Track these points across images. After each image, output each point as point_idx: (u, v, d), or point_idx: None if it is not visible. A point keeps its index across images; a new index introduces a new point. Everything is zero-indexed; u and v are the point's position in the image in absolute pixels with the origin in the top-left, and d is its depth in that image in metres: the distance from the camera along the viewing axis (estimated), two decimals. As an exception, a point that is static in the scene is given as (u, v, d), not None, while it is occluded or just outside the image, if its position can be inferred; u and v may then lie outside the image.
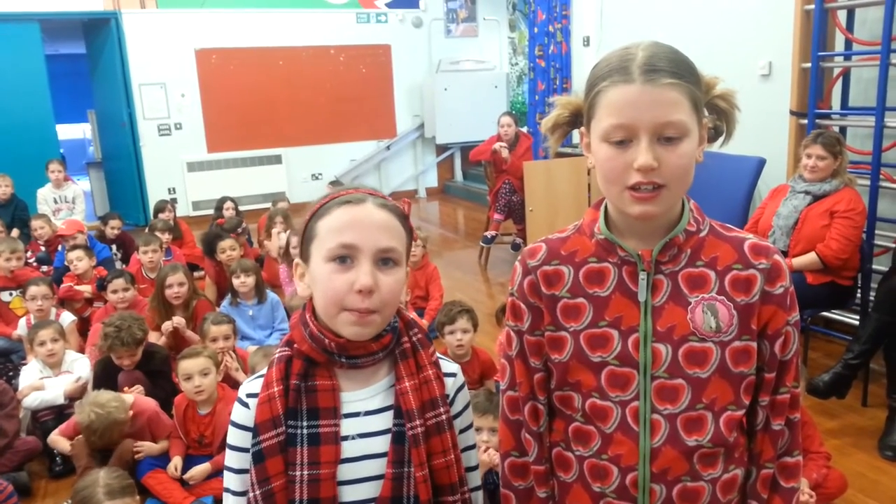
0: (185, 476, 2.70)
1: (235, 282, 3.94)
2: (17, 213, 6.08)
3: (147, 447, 2.77)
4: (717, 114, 1.02)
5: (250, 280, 3.93)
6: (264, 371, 1.03)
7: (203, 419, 2.81)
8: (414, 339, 1.05)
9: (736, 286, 1.00)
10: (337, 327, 0.98)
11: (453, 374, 1.09)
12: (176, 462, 2.74)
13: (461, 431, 1.08)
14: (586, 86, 1.00)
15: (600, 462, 1.04)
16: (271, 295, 4.06)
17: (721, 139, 1.05)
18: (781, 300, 1.01)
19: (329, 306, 0.97)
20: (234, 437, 1.02)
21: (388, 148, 9.09)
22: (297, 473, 0.97)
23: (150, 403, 2.87)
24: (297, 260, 1.05)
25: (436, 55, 9.04)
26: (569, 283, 1.05)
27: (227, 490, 1.04)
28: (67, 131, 11.37)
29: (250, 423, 0.99)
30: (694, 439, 1.00)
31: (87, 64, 8.46)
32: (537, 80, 7.15)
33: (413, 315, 3.79)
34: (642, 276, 1.01)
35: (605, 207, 1.06)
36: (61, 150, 8.08)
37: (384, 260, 0.98)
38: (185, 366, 2.76)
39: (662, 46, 0.96)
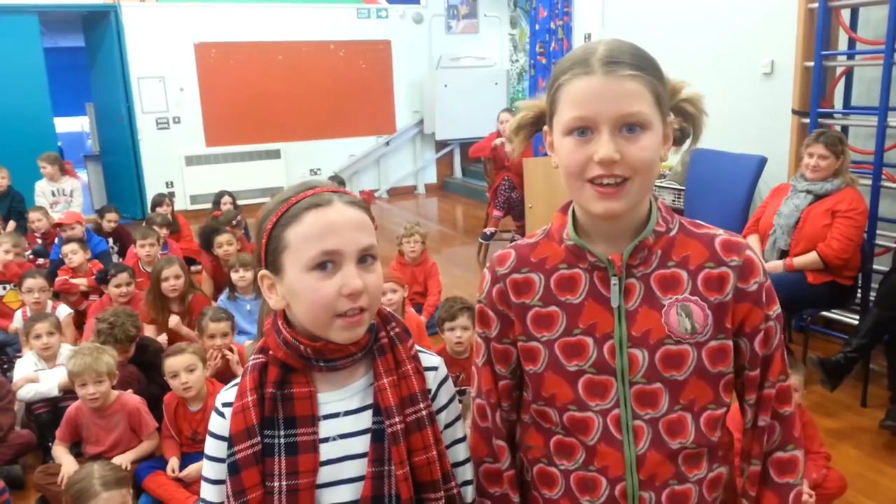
0: (182, 475, 2.67)
1: (234, 276, 3.92)
2: (14, 206, 6.05)
3: (130, 454, 2.72)
4: (684, 117, 1.01)
5: (249, 274, 3.90)
6: (239, 380, 1.00)
7: (194, 416, 2.78)
8: (391, 333, 1.02)
9: (709, 285, 0.98)
10: (330, 335, 0.95)
11: (435, 368, 1.06)
12: (173, 463, 2.72)
13: (447, 426, 1.06)
14: (549, 81, 0.98)
15: (588, 474, 1.02)
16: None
17: (688, 142, 1.03)
18: (756, 297, 0.99)
19: (320, 316, 0.94)
20: (211, 447, 1.01)
21: (387, 144, 9.07)
22: (276, 484, 0.95)
23: (135, 400, 2.83)
24: (262, 271, 0.98)
25: (436, 51, 9.01)
26: (540, 291, 1.03)
27: (203, 500, 1.02)
28: (65, 124, 11.34)
29: (225, 433, 0.97)
30: (678, 442, 0.99)
31: (86, 57, 8.43)
32: (538, 77, 7.13)
33: (410, 310, 3.79)
34: (614, 281, 0.98)
35: (573, 212, 1.03)
36: (59, 143, 8.05)
37: (363, 258, 0.95)
38: (171, 363, 2.73)
39: (624, 42, 0.95)
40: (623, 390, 0.99)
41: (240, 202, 6.40)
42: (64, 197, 6.34)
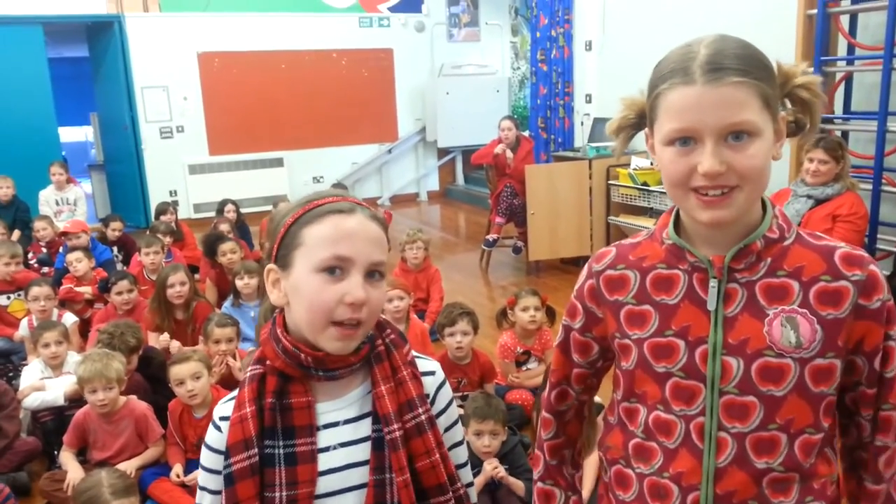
0: (187, 480, 2.69)
1: (239, 283, 3.94)
2: (19, 215, 6.08)
3: (136, 460, 2.74)
4: (799, 105, 0.95)
5: (253, 282, 3.93)
6: (236, 392, 1.00)
7: (199, 422, 2.79)
8: (387, 340, 1.02)
9: (823, 299, 0.92)
10: (320, 341, 0.94)
11: (432, 373, 1.06)
12: (177, 470, 2.73)
13: (447, 429, 1.06)
14: (648, 86, 0.95)
15: (661, 480, 1.00)
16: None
17: (805, 132, 0.98)
18: (878, 314, 0.93)
19: (316, 318, 0.94)
20: (207, 459, 1.01)
21: (389, 151, 9.10)
22: (276, 495, 0.94)
23: (142, 406, 2.85)
24: (270, 265, 0.99)
25: (438, 59, 9.05)
26: (634, 288, 1.01)
27: None
28: (70, 134, 11.40)
29: (222, 447, 0.97)
30: (764, 461, 0.94)
31: (90, 67, 8.48)
32: (539, 85, 7.15)
33: (415, 317, 3.80)
34: (713, 283, 0.94)
35: (678, 212, 1.00)
36: (63, 153, 8.09)
37: (371, 273, 0.95)
38: (176, 371, 2.74)
39: (729, 41, 0.89)
40: (711, 398, 0.94)
41: (243, 210, 6.43)
42: (68, 206, 6.38)
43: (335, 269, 0.93)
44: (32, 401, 3.02)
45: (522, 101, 9.15)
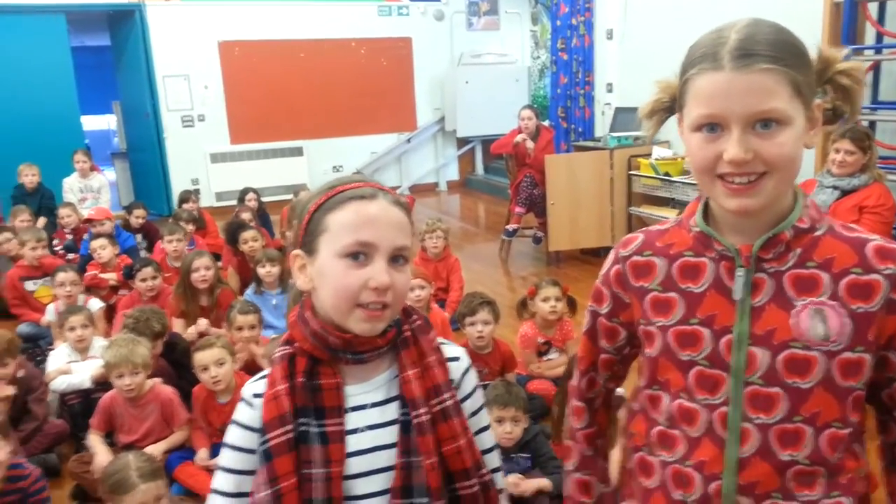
0: (212, 464, 2.72)
1: (261, 271, 3.98)
2: (44, 202, 6.18)
3: (162, 444, 2.77)
4: (840, 92, 0.93)
5: (275, 270, 3.97)
6: (267, 371, 1.02)
7: (224, 408, 2.82)
8: (414, 326, 1.04)
9: (853, 292, 0.91)
10: (347, 323, 0.96)
11: (457, 358, 1.07)
12: (203, 453, 2.77)
13: (472, 414, 1.07)
14: (679, 71, 0.94)
15: (684, 468, 1.00)
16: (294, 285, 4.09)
17: (844, 119, 0.95)
18: None
19: (341, 302, 0.95)
20: (236, 436, 1.01)
21: (408, 141, 9.10)
22: (312, 471, 0.95)
23: (167, 391, 2.89)
24: (296, 251, 1.01)
25: (457, 48, 9.02)
26: (660, 275, 1.01)
27: (216, 491, 1.01)
28: (92, 122, 11.51)
29: (256, 424, 0.98)
30: (788, 454, 0.93)
31: (112, 56, 8.56)
32: (559, 74, 7.12)
33: (435, 306, 3.82)
34: (739, 272, 0.93)
35: (707, 199, 0.99)
36: (86, 141, 8.19)
37: (396, 258, 0.97)
38: (201, 357, 2.77)
39: (762, 25, 0.88)
40: (735, 388, 0.94)
41: (263, 199, 6.47)
42: (92, 193, 6.46)
43: (359, 254, 0.95)
44: (60, 384, 3.08)
45: (542, 90, 9.10)
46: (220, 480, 1.01)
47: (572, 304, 3.39)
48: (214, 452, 2.76)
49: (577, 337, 2.86)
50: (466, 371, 1.08)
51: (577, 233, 5.43)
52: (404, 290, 0.98)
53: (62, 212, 5.47)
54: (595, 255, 5.46)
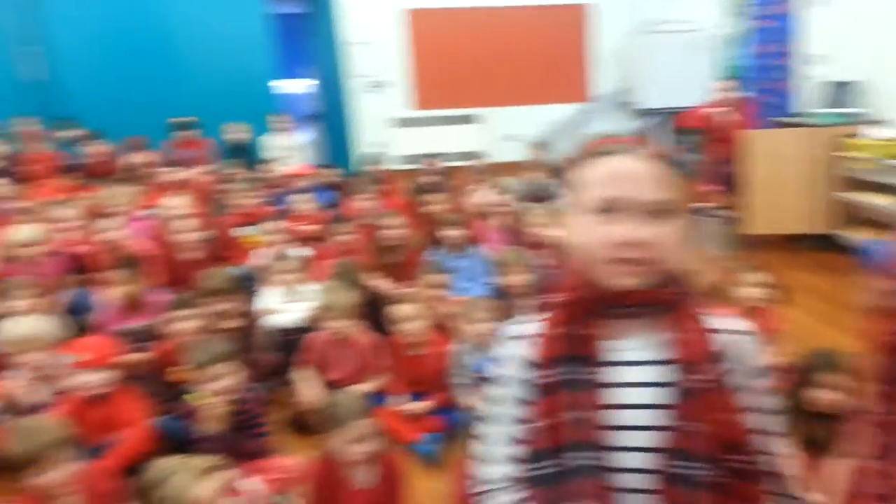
0: (406, 409, 2.90)
1: (445, 234, 4.11)
2: (250, 158, 6.77)
3: (365, 386, 2.94)
4: None
5: (458, 233, 4.08)
6: (529, 316, 1.07)
7: (417, 360, 2.99)
8: (685, 291, 1.03)
9: None
10: (602, 278, 0.99)
11: (734, 331, 1.04)
12: (400, 400, 2.95)
13: (749, 392, 1.03)
14: None
15: None
16: (477, 249, 4.19)
17: None
18: None
19: (593, 257, 0.99)
20: (511, 366, 1.08)
21: (587, 112, 8.91)
22: (573, 415, 0.99)
23: (368, 338, 3.09)
24: (559, 207, 1.08)
25: (640, 15, 8.65)
26: None
27: (486, 419, 1.09)
28: (288, 86, 12.35)
29: (529, 357, 1.04)
30: None
31: (305, 23, 9.15)
32: (758, 44, 6.61)
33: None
34: None
35: None
36: (284, 104, 8.83)
37: (654, 212, 0.97)
38: (398, 312, 2.96)
39: None
40: None
41: (443, 164, 6.65)
42: (290, 151, 6.97)
43: (606, 210, 0.97)
44: (272, 322, 3.39)
45: (734, 60, 8.49)
46: (494, 418, 1.09)
47: (776, 293, 3.07)
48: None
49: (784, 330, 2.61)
50: (746, 345, 1.04)
51: (779, 216, 5.02)
52: (667, 246, 0.98)
53: (265, 168, 5.96)
54: (800, 241, 5.02)
